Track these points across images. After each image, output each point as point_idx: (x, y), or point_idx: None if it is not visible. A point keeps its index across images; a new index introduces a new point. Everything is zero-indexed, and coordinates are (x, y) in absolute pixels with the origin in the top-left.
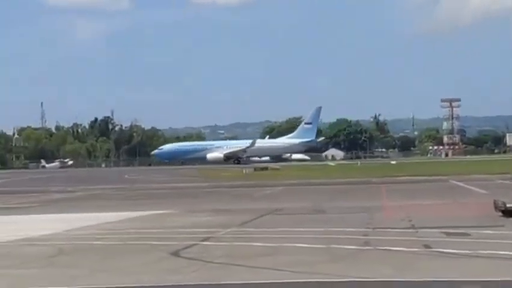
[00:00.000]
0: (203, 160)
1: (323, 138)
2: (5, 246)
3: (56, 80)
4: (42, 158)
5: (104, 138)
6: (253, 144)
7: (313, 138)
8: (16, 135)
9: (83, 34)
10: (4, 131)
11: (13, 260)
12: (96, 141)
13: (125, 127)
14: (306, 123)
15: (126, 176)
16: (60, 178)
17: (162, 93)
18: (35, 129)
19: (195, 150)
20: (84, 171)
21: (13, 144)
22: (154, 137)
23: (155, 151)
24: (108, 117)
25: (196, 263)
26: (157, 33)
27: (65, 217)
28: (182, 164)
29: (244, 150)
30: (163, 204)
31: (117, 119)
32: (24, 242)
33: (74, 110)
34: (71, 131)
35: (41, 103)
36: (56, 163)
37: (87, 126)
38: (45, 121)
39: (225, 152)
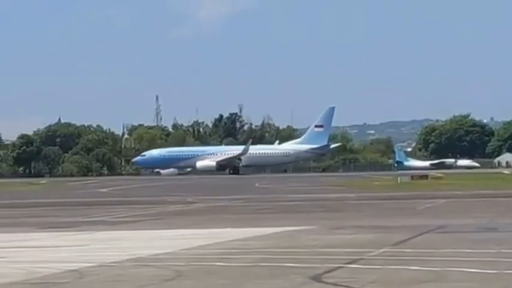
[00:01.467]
0: (193, 169)
1: (338, 144)
2: (112, 267)
3: (175, 70)
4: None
5: (231, 139)
6: (245, 151)
7: (324, 143)
8: (126, 135)
9: (204, 14)
10: (112, 129)
11: (122, 284)
12: (221, 142)
13: (256, 126)
14: (316, 126)
15: (257, 185)
16: (178, 186)
17: (299, 86)
18: (149, 128)
19: (183, 158)
20: (206, 179)
21: (122, 146)
22: (290, 138)
23: (137, 158)
24: (235, 114)
25: None
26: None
27: (182, 233)
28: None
29: (238, 158)
30: (301, 218)
31: (246, 117)
32: (135, 263)
33: (195, 106)
34: (191, 131)
35: (156, 97)
36: (173, 169)
37: (210, 125)
38: (161, 119)
39: (218, 159)
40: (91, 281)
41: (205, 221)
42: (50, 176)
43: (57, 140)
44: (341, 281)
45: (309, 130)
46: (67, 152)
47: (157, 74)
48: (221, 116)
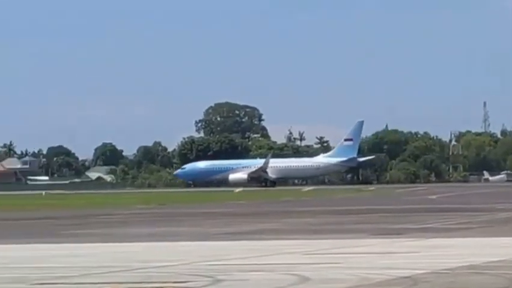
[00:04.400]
0: (227, 182)
1: (372, 157)
2: (444, 274)
3: (503, 76)
4: (486, 170)
5: None
6: (266, 163)
7: (352, 156)
8: (454, 142)
9: None
10: (439, 136)
11: None
12: None
13: None
14: (346, 140)
15: None
16: (506, 193)
17: None
18: (477, 134)
19: (219, 171)
20: None
21: (450, 153)
22: None
23: (178, 171)
24: None
25: None
26: None
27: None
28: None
29: (264, 171)
30: None
31: None
32: (468, 270)
33: None
34: None
35: (484, 103)
36: (502, 175)
37: None
38: (489, 125)
39: (249, 172)
40: None
41: None
42: (378, 183)
43: (385, 147)
44: None
45: (339, 144)
46: (394, 159)
47: (484, 80)
48: None
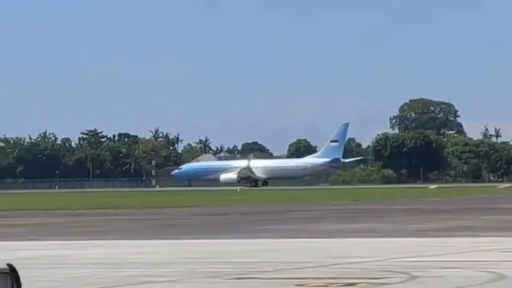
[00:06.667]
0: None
1: (360, 158)
2: None
3: None
4: None
5: None
6: (248, 164)
7: (337, 157)
8: None
9: None
10: None
11: None
12: None
13: None
14: (331, 141)
15: None
16: None
17: None
18: None
19: (213, 171)
20: None
21: None
22: None
23: (175, 171)
24: None
25: None
26: None
27: None
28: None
29: (250, 171)
30: None
31: None
32: None
33: None
34: None
35: None
36: None
37: None
38: None
39: (238, 172)
40: None
41: None
42: None
43: None
44: None
45: (325, 144)
46: None
47: None
48: None
